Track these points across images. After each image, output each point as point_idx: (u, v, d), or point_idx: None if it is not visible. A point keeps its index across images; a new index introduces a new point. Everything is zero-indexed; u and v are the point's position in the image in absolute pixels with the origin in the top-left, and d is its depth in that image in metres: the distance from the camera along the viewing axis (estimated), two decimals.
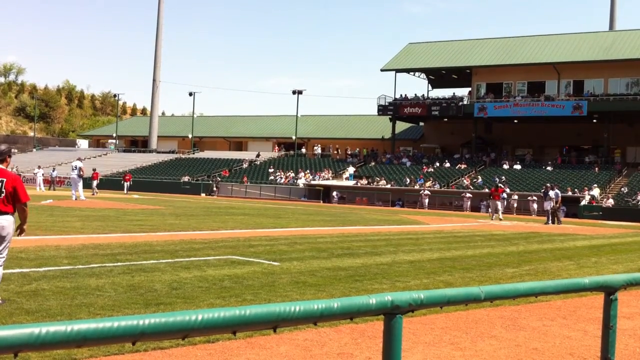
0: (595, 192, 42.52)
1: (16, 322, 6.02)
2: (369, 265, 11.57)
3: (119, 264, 10.11)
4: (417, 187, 47.97)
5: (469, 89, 57.00)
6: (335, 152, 62.72)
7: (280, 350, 5.57)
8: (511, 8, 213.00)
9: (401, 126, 61.40)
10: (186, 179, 56.97)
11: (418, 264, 12.13)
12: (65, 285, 8.03)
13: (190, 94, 70.52)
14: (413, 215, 34.23)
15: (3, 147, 7.14)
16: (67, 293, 7.52)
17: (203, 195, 53.07)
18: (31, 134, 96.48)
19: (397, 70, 58.00)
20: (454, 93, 57.18)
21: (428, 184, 48.12)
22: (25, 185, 7.30)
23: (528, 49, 54.72)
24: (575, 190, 43.01)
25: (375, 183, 50.28)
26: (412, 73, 59.90)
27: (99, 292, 7.71)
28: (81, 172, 31.48)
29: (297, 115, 63.91)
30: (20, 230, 7.11)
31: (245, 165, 60.63)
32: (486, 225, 27.53)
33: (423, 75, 60.50)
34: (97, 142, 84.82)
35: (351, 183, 51.67)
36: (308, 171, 55.61)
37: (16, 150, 73.54)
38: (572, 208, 40.52)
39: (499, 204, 32.16)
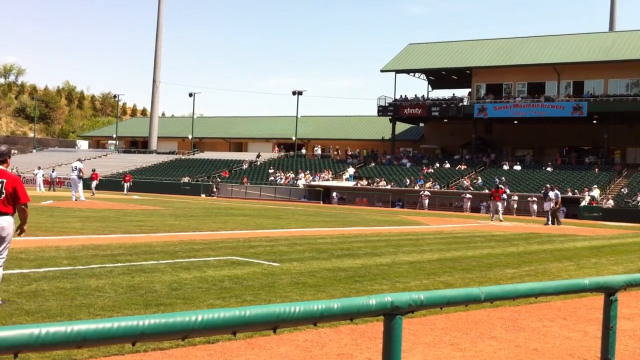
0: (595, 193, 42.52)
1: (16, 322, 6.02)
2: (369, 266, 11.57)
3: (118, 264, 10.11)
4: (417, 187, 47.98)
5: (469, 89, 57.01)
6: (335, 152, 62.73)
7: (280, 350, 5.57)
8: (511, 9, 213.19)
9: (401, 127, 61.43)
10: (186, 179, 56.98)
11: (418, 264, 12.13)
12: (65, 285, 8.03)
13: (190, 95, 70.58)
14: (413, 216, 34.23)
15: (3, 148, 7.14)
16: (67, 294, 7.52)
17: (203, 196, 53.08)
18: (31, 134, 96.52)
19: (397, 71, 58.02)
20: (453, 94, 57.22)
21: (428, 184, 48.13)
22: (25, 186, 7.30)
23: (528, 50, 54.75)
24: (575, 191, 43.01)
25: (375, 184, 50.28)
26: (412, 74, 59.93)
27: (98, 292, 7.71)
28: (81, 173, 31.50)
29: (297, 116, 63.93)
30: (20, 230, 7.12)
31: (245, 166, 60.64)
32: (486, 226, 27.53)
33: (423, 76, 60.53)
34: (97, 143, 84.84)
35: (351, 184, 51.68)
36: (308, 172, 55.61)
37: (16, 151, 73.56)
38: (572, 209, 40.52)
39: (499, 204, 32.16)
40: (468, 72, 56.47)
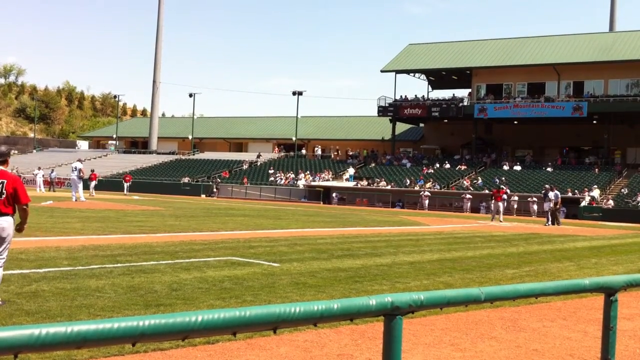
0: (595, 193, 42.52)
1: (16, 323, 6.02)
2: (369, 266, 11.57)
3: (119, 265, 10.11)
4: (417, 188, 47.98)
5: (469, 90, 57.01)
6: (336, 153, 62.74)
7: (280, 351, 5.56)
8: (511, 9, 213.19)
9: (401, 127, 61.44)
10: (186, 180, 56.98)
11: (418, 265, 12.13)
12: (65, 286, 8.03)
13: (191, 95, 70.57)
14: (413, 216, 34.23)
15: (3, 148, 7.14)
16: (67, 294, 7.52)
17: (203, 196, 53.09)
18: (31, 135, 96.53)
19: (397, 71, 58.03)
20: (454, 94, 57.23)
21: (428, 185, 48.13)
22: (25, 186, 7.30)
23: (528, 50, 54.75)
24: (576, 191, 43.01)
25: (375, 184, 50.28)
26: (412, 74, 59.93)
27: (99, 293, 7.71)
28: (81, 174, 31.51)
29: (297, 116, 63.92)
30: (19, 228, 7.11)
31: (245, 167, 60.65)
32: (486, 226, 27.53)
33: (423, 76, 60.53)
34: (97, 143, 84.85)
35: (351, 184, 51.68)
36: (308, 172, 55.61)
37: (16, 152, 73.57)
38: (572, 209, 40.53)
39: (500, 205, 32.14)
40: (468, 72, 56.48)
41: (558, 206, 31.21)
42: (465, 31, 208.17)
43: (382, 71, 58.73)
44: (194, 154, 69.05)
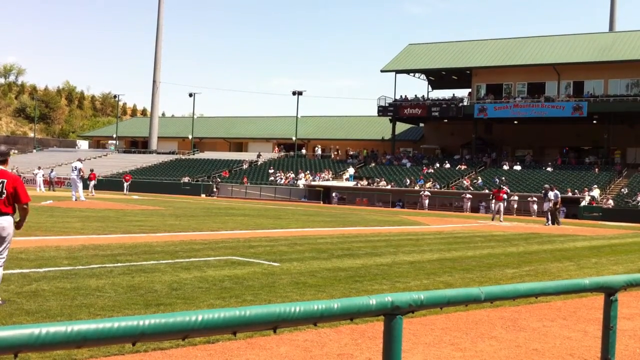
0: (595, 193, 42.52)
1: (16, 322, 6.02)
2: (369, 266, 11.57)
3: (119, 264, 10.11)
4: (417, 188, 47.98)
5: (469, 90, 57.01)
6: (336, 153, 62.74)
7: (281, 350, 5.57)
8: (511, 9, 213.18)
9: (401, 127, 61.44)
10: (186, 179, 56.99)
11: (418, 264, 12.13)
12: (66, 285, 8.03)
13: (190, 95, 70.60)
14: (413, 216, 34.23)
15: (3, 148, 7.14)
16: (67, 294, 7.53)
17: (203, 196, 53.09)
18: (31, 134, 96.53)
19: (397, 71, 58.03)
20: (454, 94, 57.23)
21: (428, 184, 48.13)
22: (25, 186, 7.30)
23: (528, 50, 54.75)
24: (575, 191, 43.01)
25: (375, 184, 50.28)
26: (412, 74, 59.93)
27: (99, 292, 7.71)
28: (81, 173, 31.51)
29: (297, 116, 63.93)
30: (17, 225, 7.10)
31: (245, 166, 60.65)
32: (486, 226, 27.53)
33: (423, 76, 60.53)
34: (97, 143, 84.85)
35: (351, 184, 51.68)
36: (308, 172, 55.62)
37: (16, 151, 73.58)
38: (572, 209, 40.53)
39: (501, 205, 32.13)
40: (468, 72, 56.48)
41: (558, 206, 31.20)
42: (465, 31, 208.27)
43: (382, 71, 58.75)
44: (194, 154, 69.06)
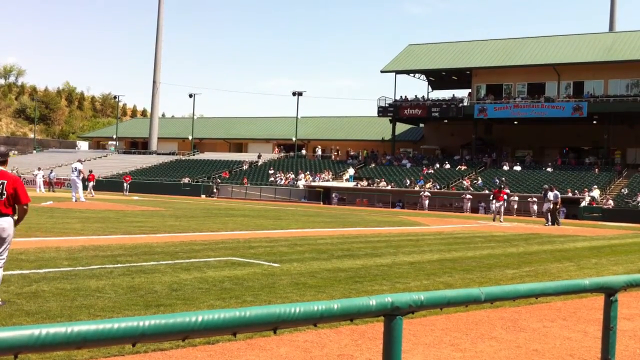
0: (596, 193, 42.52)
1: (16, 323, 6.02)
2: (369, 266, 11.56)
3: (119, 265, 10.11)
4: (417, 188, 47.98)
5: (469, 90, 57.02)
6: (336, 153, 62.75)
7: (281, 351, 5.56)
8: (511, 9, 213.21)
9: (401, 127, 61.44)
10: (186, 180, 56.99)
11: (418, 265, 12.13)
12: (66, 286, 8.03)
13: (190, 96, 70.59)
14: (413, 216, 34.23)
15: (3, 148, 7.15)
16: (67, 294, 7.52)
17: (203, 196, 53.08)
18: (31, 135, 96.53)
19: (397, 72, 58.04)
20: (453, 94, 57.23)
21: (428, 185, 48.13)
22: (25, 186, 7.30)
23: (528, 50, 54.76)
24: (576, 191, 43.01)
25: (375, 184, 50.28)
26: (412, 74, 59.94)
27: (99, 293, 7.71)
28: (82, 174, 31.52)
29: (297, 117, 63.94)
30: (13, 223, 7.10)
31: (245, 167, 60.65)
32: (486, 226, 27.53)
33: (423, 77, 60.53)
34: (97, 144, 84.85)
35: (351, 184, 51.68)
36: (308, 172, 55.62)
37: (16, 152, 73.58)
38: (572, 209, 40.53)
39: (500, 205, 32.11)
40: (468, 72, 56.49)
41: (558, 206, 31.19)
42: (465, 31, 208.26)
43: (382, 71, 58.76)
44: (194, 155, 69.06)
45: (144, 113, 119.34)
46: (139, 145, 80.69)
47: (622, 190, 43.68)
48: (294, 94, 62.38)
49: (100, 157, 70.85)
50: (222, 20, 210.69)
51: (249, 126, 75.98)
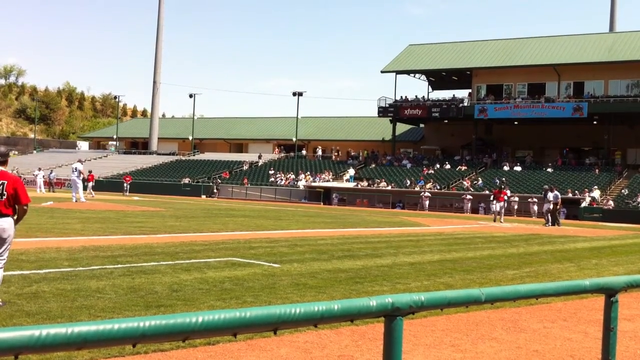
0: (596, 193, 42.51)
1: (16, 324, 6.02)
2: (370, 267, 11.56)
3: (119, 266, 10.11)
4: (417, 189, 47.97)
5: (469, 90, 57.02)
6: (336, 154, 62.75)
7: (281, 352, 5.56)
8: (511, 9, 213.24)
9: (401, 128, 61.44)
10: (186, 180, 56.99)
11: (418, 265, 12.13)
12: (66, 287, 8.03)
13: (191, 96, 70.60)
14: (413, 217, 34.22)
15: (3, 148, 7.15)
16: (67, 295, 7.52)
17: (203, 197, 53.08)
18: (31, 135, 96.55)
19: (398, 72, 58.03)
20: (454, 95, 57.24)
21: (428, 185, 48.13)
22: (25, 187, 7.30)
23: (528, 51, 54.76)
24: (576, 192, 42.99)
25: (375, 185, 50.27)
26: (412, 75, 59.94)
27: (99, 294, 7.70)
28: (82, 174, 31.51)
29: (297, 117, 63.93)
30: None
31: (245, 167, 60.65)
32: (487, 227, 27.53)
33: (423, 77, 60.53)
34: (98, 144, 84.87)
35: (351, 185, 51.68)
36: (308, 173, 55.62)
37: (16, 152, 73.59)
38: (572, 210, 40.52)
39: (500, 205, 32.09)
40: (468, 73, 56.48)
41: (558, 207, 31.18)
42: (466, 32, 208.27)
43: (382, 72, 58.76)
44: (194, 155, 69.06)
45: (144, 113, 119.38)
46: (139, 146, 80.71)
47: (623, 190, 43.67)
48: (294, 94, 62.39)
49: (100, 158, 70.86)
50: (222, 20, 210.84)
51: (249, 126, 75.99)
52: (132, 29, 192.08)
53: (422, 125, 62.94)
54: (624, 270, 13.04)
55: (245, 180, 55.53)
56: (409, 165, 54.56)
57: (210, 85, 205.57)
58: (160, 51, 76.28)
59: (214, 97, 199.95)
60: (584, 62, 50.98)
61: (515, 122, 53.88)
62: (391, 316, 2.61)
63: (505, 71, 54.54)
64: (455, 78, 59.69)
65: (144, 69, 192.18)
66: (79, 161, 33.80)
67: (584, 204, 41.20)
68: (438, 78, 60.86)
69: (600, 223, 36.41)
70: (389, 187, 49.42)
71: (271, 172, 57.21)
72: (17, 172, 49.83)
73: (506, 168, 50.58)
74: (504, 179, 46.31)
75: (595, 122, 50.77)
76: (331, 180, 53.63)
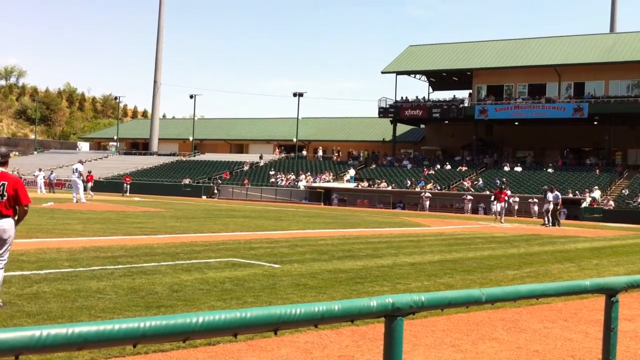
0: (596, 194, 42.50)
1: (17, 324, 6.03)
2: (370, 267, 11.56)
3: (119, 266, 10.11)
4: (417, 189, 47.97)
5: (470, 91, 57.02)
6: (336, 154, 62.75)
7: (281, 352, 5.56)
8: (512, 10, 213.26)
9: (402, 128, 61.44)
10: (187, 181, 56.98)
11: (419, 266, 12.13)
12: (66, 287, 8.03)
13: (191, 97, 70.60)
14: (414, 217, 34.21)
15: (3, 149, 7.15)
16: (68, 295, 7.53)
17: (204, 197, 53.07)
18: (32, 136, 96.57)
19: (398, 73, 58.03)
20: (454, 95, 57.22)
21: (429, 186, 48.11)
22: (26, 187, 7.30)
23: (529, 51, 54.75)
24: (576, 192, 42.98)
25: (376, 185, 50.27)
26: (412, 75, 59.94)
27: (99, 294, 7.71)
28: (82, 175, 31.53)
29: (297, 118, 63.94)
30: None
31: (246, 168, 60.66)
32: (487, 227, 27.52)
33: (424, 78, 60.52)
34: (98, 145, 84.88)
35: (352, 185, 51.67)
36: (309, 173, 55.62)
37: (17, 153, 73.61)
38: (573, 210, 40.50)
39: (501, 206, 32.07)
40: (469, 73, 56.48)
41: (559, 207, 31.17)
42: (466, 33, 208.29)
43: (382, 72, 58.75)
44: (194, 155, 69.07)
45: (144, 114, 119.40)
46: (139, 146, 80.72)
47: (623, 191, 43.66)
48: (294, 94, 62.40)
49: (101, 158, 70.88)
50: (223, 21, 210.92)
51: (250, 127, 75.99)
52: (132, 30, 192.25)
53: (422, 126, 62.92)
54: (624, 271, 13.04)
55: (246, 181, 55.53)
56: (409, 166, 54.56)
57: (210, 86, 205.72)
58: (161, 52, 76.31)
59: (214, 98, 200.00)
60: (584, 63, 50.98)
61: (516, 123, 53.87)
62: (391, 316, 2.61)
63: (505, 72, 54.54)
64: (456, 79, 59.68)
65: (144, 69, 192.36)
66: (80, 162, 33.82)
67: (584, 205, 41.18)
68: (438, 79, 60.85)
69: (600, 223, 36.39)
70: (390, 188, 49.41)
71: (272, 172, 57.21)
72: (17, 173, 49.83)
73: (507, 168, 50.57)
74: (504, 179, 46.28)
75: (595, 123, 50.76)
76: (332, 180, 53.63)
